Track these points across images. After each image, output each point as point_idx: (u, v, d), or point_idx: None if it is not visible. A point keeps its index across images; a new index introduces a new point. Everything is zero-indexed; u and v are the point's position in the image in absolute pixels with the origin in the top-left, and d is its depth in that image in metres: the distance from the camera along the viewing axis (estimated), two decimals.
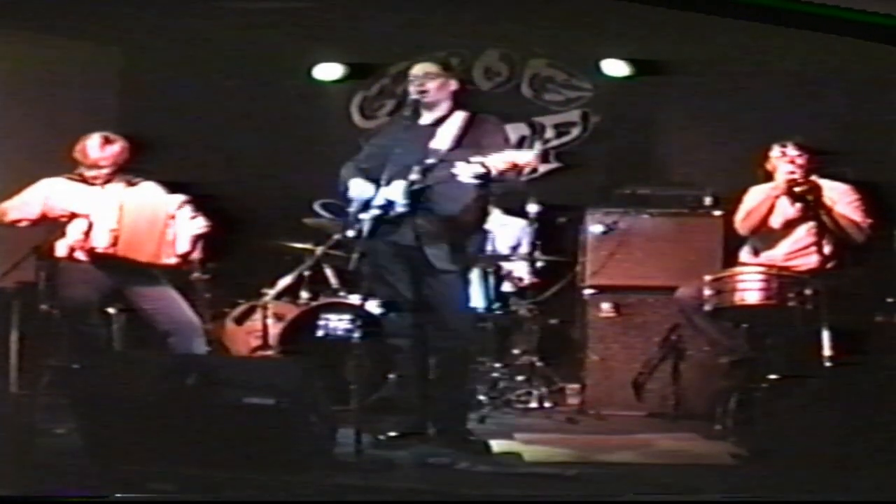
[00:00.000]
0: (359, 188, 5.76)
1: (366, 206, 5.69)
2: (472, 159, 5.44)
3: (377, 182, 5.71)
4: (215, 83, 7.87)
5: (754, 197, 6.46)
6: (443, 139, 5.75)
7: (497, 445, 5.89)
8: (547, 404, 7.03)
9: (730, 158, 7.30)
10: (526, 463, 5.68)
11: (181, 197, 6.39)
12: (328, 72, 8.05)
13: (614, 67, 7.82)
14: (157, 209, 6.37)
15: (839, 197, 6.28)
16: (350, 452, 5.37)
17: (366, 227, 5.62)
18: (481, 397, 6.78)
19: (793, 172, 6.25)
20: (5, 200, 6.40)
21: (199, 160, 7.59)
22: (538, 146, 5.80)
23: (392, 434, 5.82)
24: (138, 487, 5.04)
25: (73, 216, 6.24)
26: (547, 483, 5.34)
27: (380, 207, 5.66)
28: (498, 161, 5.44)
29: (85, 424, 5.41)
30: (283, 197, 7.70)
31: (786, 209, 6.34)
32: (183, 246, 6.34)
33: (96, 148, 6.35)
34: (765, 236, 6.45)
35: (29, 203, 6.34)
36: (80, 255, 6.27)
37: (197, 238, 6.36)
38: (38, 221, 6.32)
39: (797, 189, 6.21)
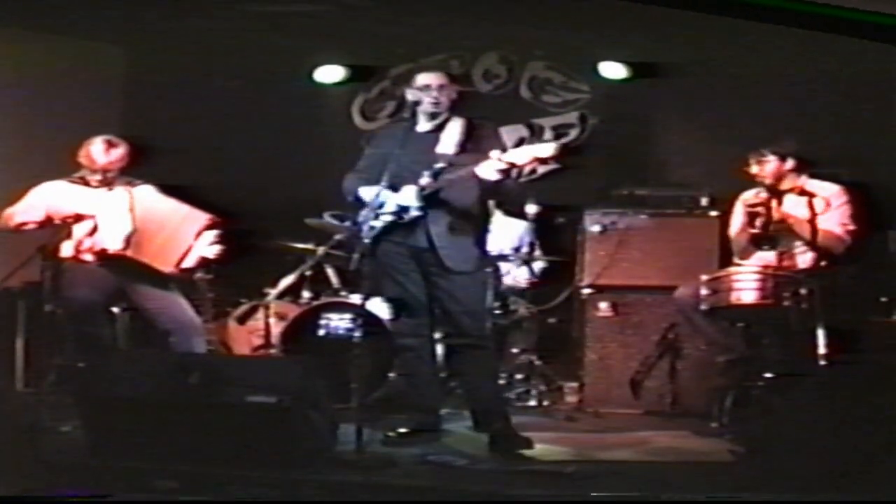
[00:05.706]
0: (369, 194, 5.80)
1: (377, 211, 5.74)
2: (493, 156, 5.51)
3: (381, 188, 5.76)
4: (217, 85, 7.88)
5: (740, 209, 6.57)
6: (447, 144, 5.80)
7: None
8: (545, 402, 7.07)
9: (727, 159, 7.25)
10: (525, 460, 5.72)
11: (206, 217, 6.43)
12: (329, 74, 8.10)
13: (612, 69, 7.83)
14: (168, 215, 6.42)
15: (829, 199, 6.33)
16: (351, 450, 5.43)
17: (377, 231, 5.70)
18: None
19: (769, 181, 6.36)
20: (8, 201, 6.43)
21: (201, 160, 7.61)
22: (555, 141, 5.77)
23: (402, 430, 5.89)
24: (142, 484, 5.09)
25: (78, 217, 6.29)
26: (545, 480, 5.38)
27: (392, 213, 5.72)
28: (522, 156, 5.53)
29: (90, 422, 5.46)
30: (285, 197, 7.72)
31: (770, 217, 6.39)
32: (190, 262, 6.39)
33: (101, 153, 6.39)
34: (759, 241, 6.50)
35: (34, 206, 6.37)
36: (85, 256, 6.31)
37: (206, 261, 6.45)
38: (43, 224, 6.34)
39: (774, 200, 6.30)
